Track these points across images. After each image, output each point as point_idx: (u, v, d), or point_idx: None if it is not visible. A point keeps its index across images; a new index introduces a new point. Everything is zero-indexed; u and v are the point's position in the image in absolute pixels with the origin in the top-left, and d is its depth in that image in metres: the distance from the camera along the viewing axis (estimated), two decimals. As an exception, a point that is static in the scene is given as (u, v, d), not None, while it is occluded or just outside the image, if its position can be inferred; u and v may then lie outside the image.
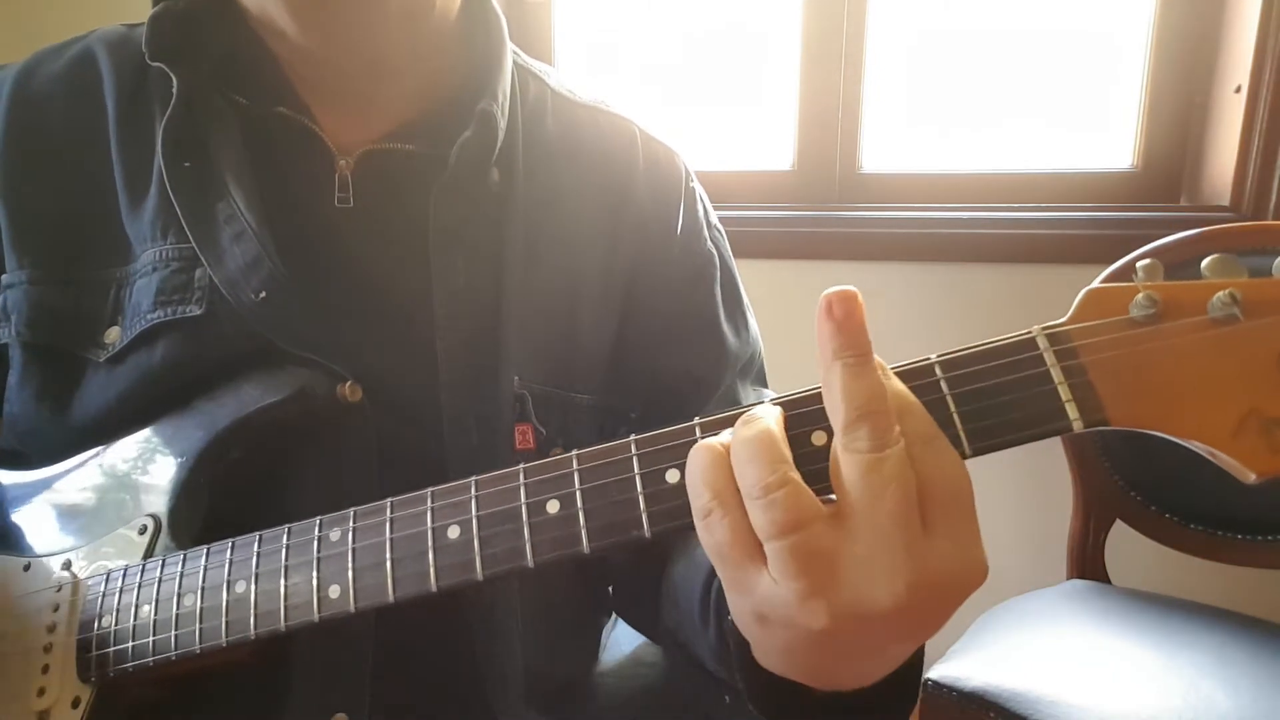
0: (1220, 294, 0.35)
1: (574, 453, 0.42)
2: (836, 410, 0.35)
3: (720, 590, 0.49)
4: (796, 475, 0.35)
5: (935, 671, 0.97)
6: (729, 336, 0.66)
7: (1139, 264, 0.37)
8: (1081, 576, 1.23)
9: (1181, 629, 1.04)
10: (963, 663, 0.97)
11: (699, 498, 0.36)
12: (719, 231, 0.70)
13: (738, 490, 0.35)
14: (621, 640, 0.74)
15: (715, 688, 0.55)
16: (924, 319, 1.52)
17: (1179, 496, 1.16)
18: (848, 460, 0.34)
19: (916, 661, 0.40)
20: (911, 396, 0.36)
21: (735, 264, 0.71)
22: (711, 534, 0.36)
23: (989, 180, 1.56)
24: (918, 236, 1.51)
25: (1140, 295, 0.36)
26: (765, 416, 0.37)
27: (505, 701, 0.58)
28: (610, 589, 0.72)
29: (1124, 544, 1.22)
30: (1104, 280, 1.16)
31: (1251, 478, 0.34)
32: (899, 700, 0.41)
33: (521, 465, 0.43)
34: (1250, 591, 1.34)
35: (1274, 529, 1.10)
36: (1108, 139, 1.54)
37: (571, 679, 0.68)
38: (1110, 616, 1.08)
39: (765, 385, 0.69)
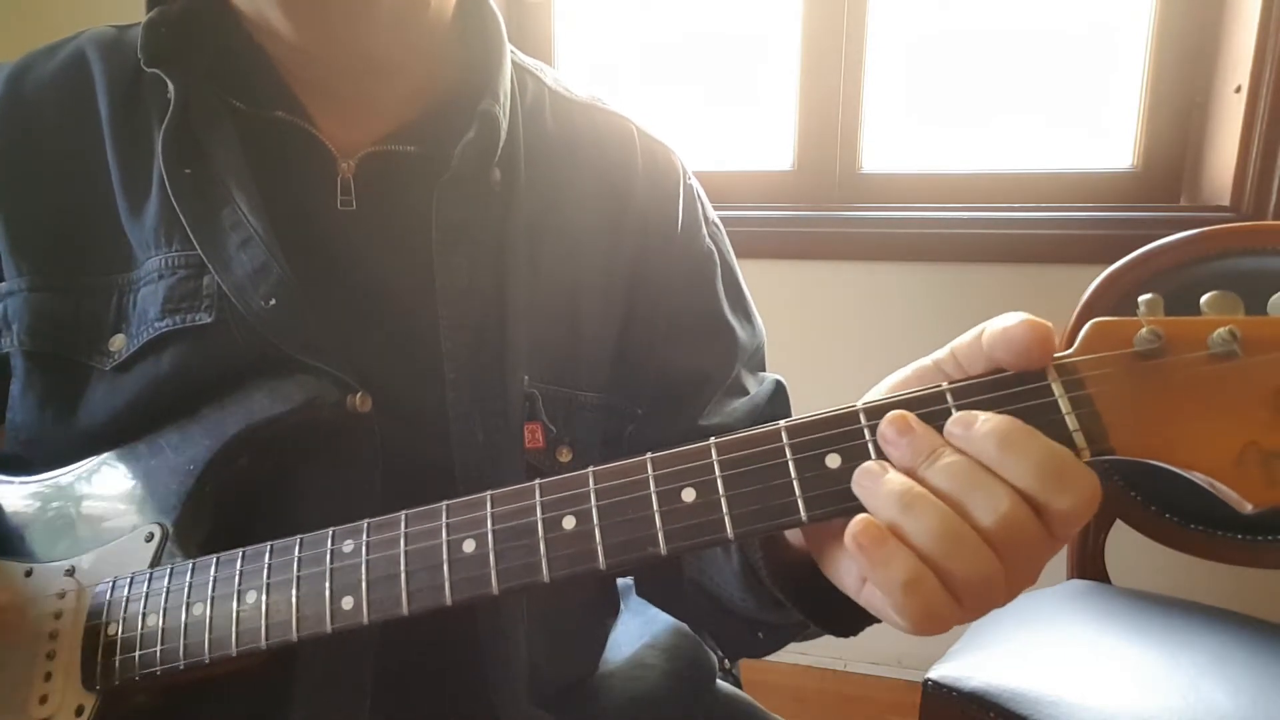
0: (1220, 331, 0.36)
1: (590, 470, 0.42)
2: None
3: None
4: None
5: (935, 671, 0.97)
6: (737, 329, 0.66)
7: (1141, 299, 0.38)
8: (1081, 576, 1.23)
9: (1181, 629, 1.04)
10: (963, 663, 0.97)
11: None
12: (717, 227, 0.71)
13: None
14: (622, 642, 0.74)
15: (748, 630, 0.56)
16: (924, 319, 1.52)
17: (1179, 496, 1.15)
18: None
19: None
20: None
21: (735, 259, 0.71)
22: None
23: (989, 180, 1.56)
24: (918, 236, 1.51)
25: (1144, 330, 0.37)
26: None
27: (510, 699, 0.58)
28: (615, 583, 0.72)
29: (1124, 544, 1.22)
30: (1105, 280, 1.17)
31: (1249, 508, 0.36)
32: None
33: (537, 481, 0.43)
34: (1250, 591, 1.34)
35: (1274, 529, 1.10)
36: (1108, 139, 1.54)
37: (576, 678, 0.68)
38: (1110, 616, 1.08)
39: (764, 369, 0.69)
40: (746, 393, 0.64)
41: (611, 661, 0.72)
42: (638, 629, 0.75)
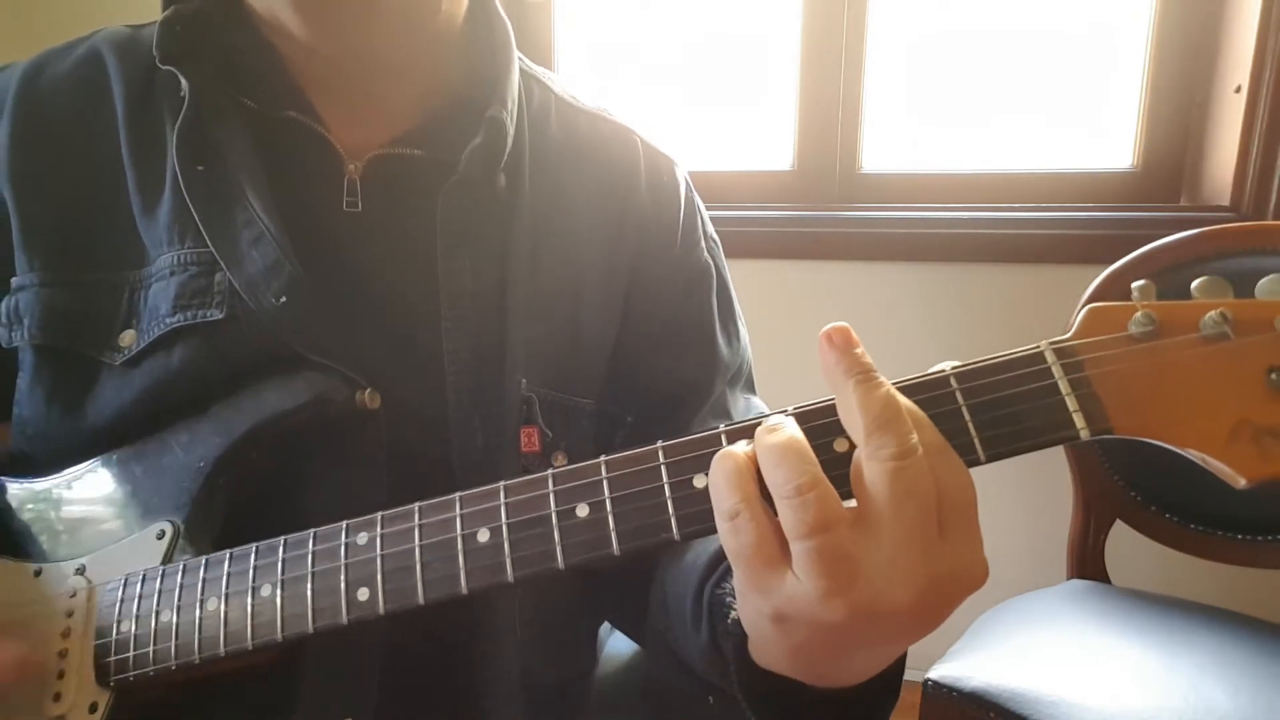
0: (1212, 314, 0.38)
1: (602, 459, 0.43)
2: (856, 422, 0.37)
3: (713, 595, 0.50)
4: (825, 478, 0.36)
5: (935, 671, 0.97)
6: (721, 346, 0.67)
7: (1134, 284, 0.40)
8: (1081, 576, 1.23)
9: (1181, 629, 1.05)
10: (963, 663, 0.98)
11: (725, 500, 0.38)
12: (715, 242, 0.71)
13: (762, 493, 0.37)
14: (619, 645, 0.75)
15: (700, 690, 0.56)
16: (924, 319, 1.52)
17: (1179, 496, 1.16)
18: (872, 468, 0.36)
19: (900, 659, 0.43)
20: (919, 411, 0.38)
21: (729, 274, 0.72)
22: (737, 536, 0.37)
23: (989, 180, 1.56)
24: (918, 236, 1.51)
25: (1139, 314, 0.39)
26: (788, 425, 0.39)
27: (501, 703, 0.58)
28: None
29: (1124, 544, 1.22)
30: (1105, 280, 1.17)
31: (1242, 483, 0.37)
32: (884, 694, 0.44)
33: (550, 471, 0.44)
34: (1250, 591, 1.35)
35: (1274, 529, 1.11)
36: (1108, 139, 1.54)
37: (568, 682, 0.68)
38: (1110, 616, 1.09)
39: (754, 392, 0.70)
40: (729, 416, 0.65)
41: (606, 665, 0.72)
42: (633, 637, 0.75)
